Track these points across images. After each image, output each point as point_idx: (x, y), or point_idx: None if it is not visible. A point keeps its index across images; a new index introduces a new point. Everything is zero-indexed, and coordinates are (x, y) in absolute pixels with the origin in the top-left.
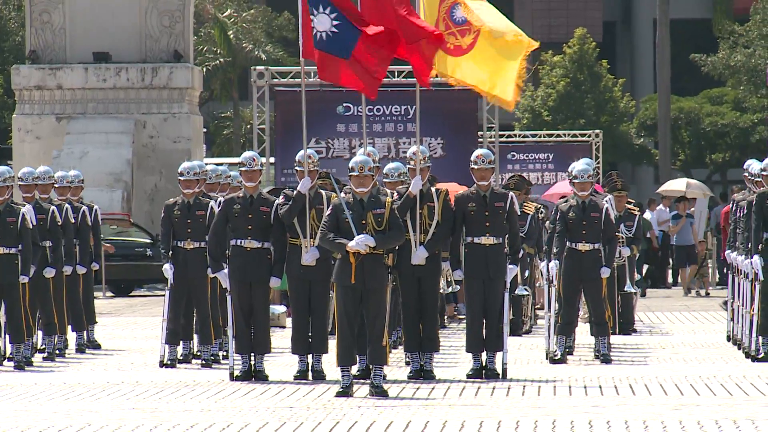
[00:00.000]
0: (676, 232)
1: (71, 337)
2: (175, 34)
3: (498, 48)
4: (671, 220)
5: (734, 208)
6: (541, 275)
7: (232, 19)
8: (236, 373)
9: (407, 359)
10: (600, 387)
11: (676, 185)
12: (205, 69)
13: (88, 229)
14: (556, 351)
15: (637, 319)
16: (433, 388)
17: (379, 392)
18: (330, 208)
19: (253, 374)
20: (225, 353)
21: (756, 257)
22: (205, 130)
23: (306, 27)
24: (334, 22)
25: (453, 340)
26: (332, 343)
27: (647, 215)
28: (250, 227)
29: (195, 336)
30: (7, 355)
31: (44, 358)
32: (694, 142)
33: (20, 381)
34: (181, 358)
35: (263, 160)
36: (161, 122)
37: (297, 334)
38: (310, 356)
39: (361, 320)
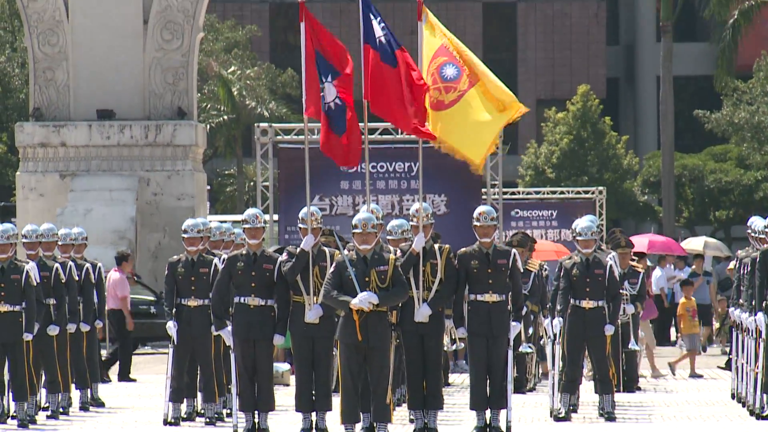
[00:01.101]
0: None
1: (75, 395)
2: (178, 92)
3: (486, 105)
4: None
5: (738, 266)
6: (545, 332)
7: (236, 76)
8: (240, 430)
9: (411, 417)
10: None
11: (694, 244)
12: (208, 126)
13: (92, 287)
14: (560, 409)
15: (641, 376)
16: None
17: None
18: (333, 265)
19: None
20: (229, 411)
21: (760, 314)
22: (208, 187)
23: (309, 86)
24: (337, 95)
25: (457, 398)
26: (336, 401)
27: (657, 272)
28: (253, 284)
29: (199, 394)
30: (11, 413)
31: (48, 416)
32: (698, 199)
33: None
34: (185, 416)
35: (267, 217)
36: (165, 179)
37: (301, 392)
38: (314, 414)
39: (364, 377)
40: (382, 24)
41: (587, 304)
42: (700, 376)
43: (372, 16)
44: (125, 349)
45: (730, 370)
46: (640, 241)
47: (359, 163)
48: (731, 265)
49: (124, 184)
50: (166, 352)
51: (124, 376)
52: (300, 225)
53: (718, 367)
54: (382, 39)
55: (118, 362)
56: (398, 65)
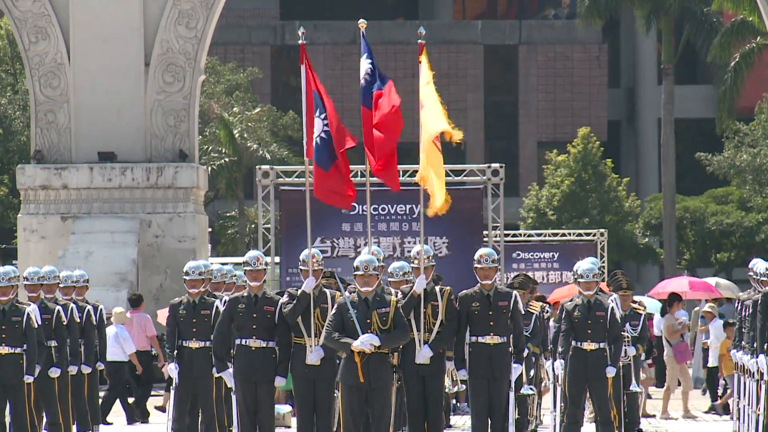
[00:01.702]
0: (704, 331)
1: None
2: (180, 134)
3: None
4: (700, 320)
5: (740, 308)
6: (547, 374)
7: (237, 118)
8: None
9: None
10: None
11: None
12: (210, 168)
13: (93, 329)
14: None
15: (650, 415)
16: None
17: None
18: (335, 307)
19: None
20: None
21: (762, 356)
22: (210, 229)
23: (310, 128)
24: (324, 128)
25: None
26: None
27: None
28: (254, 326)
29: None
30: None
31: None
32: (699, 242)
33: None
34: None
35: (268, 259)
36: (166, 222)
37: None
38: None
39: (366, 419)
40: (370, 62)
41: (589, 345)
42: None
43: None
44: (145, 390)
45: (714, 412)
46: (679, 282)
47: (351, 204)
48: (707, 307)
49: (126, 226)
50: (163, 394)
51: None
52: (301, 267)
53: (704, 411)
54: (363, 81)
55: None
56: (373, 107)
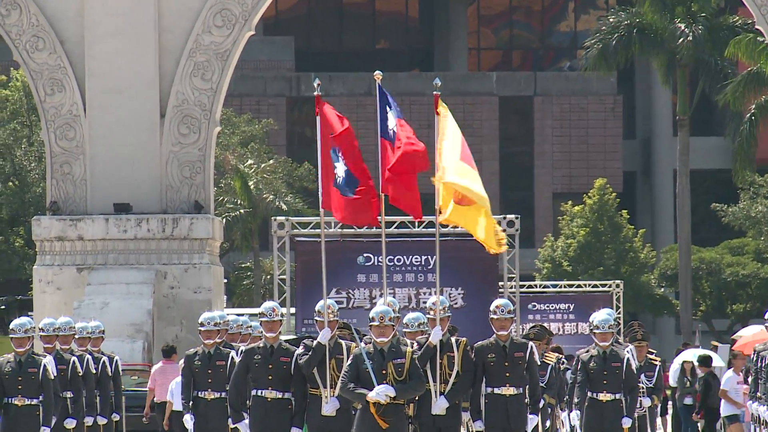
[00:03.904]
0: None
1: None
2: (195, 185)
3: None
4: None
5: (756, 359)
6: (563, 425)
7: (253, 170)
8: None
9: None
10: None
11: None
12: (225, 219)
13: (109, 380)
14: None
15: None
16: None
17: None
18: (351, 357)
19: None
20: None
21: None
22: (225, 280)
23: (325, 178)
24: (343, 168)
25: None
26: None
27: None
28: (270, 377)
29: None
30: None
31: None
32: (715, 293)
33: None
34: None
35: (284, 310)
36: (182, 273)
37: None
38: None
39: None
40: (397, 113)
41: (604, 396)
42: None
43: (388, 108)
44: None
45: None
46: None
47: (374, 220)
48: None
49: (141, 277)
50: None
51: None
52: (316, 318)
53: None
54: (395, 128)
55: None
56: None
